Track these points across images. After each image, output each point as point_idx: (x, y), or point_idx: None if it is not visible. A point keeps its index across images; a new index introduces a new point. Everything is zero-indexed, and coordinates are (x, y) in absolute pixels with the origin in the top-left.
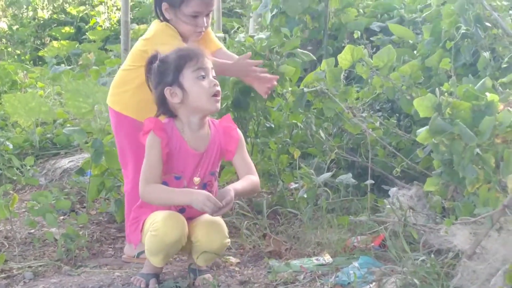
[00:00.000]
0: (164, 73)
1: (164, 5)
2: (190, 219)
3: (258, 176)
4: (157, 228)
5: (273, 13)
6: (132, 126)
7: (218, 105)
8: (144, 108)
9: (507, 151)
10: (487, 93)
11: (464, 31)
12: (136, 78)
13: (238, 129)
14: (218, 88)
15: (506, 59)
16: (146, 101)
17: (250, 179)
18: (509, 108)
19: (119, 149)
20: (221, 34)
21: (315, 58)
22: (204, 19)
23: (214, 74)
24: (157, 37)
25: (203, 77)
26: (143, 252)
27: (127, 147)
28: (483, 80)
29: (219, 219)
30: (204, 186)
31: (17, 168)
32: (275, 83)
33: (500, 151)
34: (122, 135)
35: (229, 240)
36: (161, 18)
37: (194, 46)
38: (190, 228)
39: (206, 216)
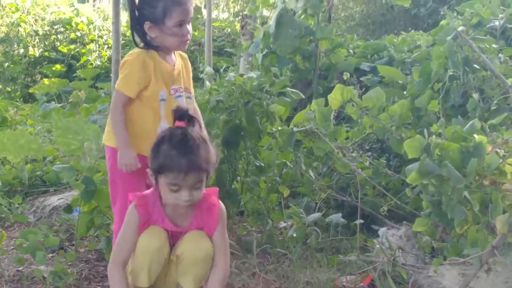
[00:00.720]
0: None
1: (147, 25)
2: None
3: (229, 258)
4: (138, 244)
5: (264, 53)
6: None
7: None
8: (134, 142)
9: (495, 193)
10: (475, 135)
11: (452, 73)
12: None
13: (221, 208)
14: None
15: (495, 101)
16: (135, 135)
17: (222, 276)
18: (497, 150)
19: (111, 185)
20: (211, 71)
21: (304, 97)
22: (188, 27)
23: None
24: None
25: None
26: None
27: (119, 182)
28: (472, 121)
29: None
30: None
31: (6, 206)
32: None
33: (488, 192)
34: (115, 169)
35: (212, 247)
36: (143, 42)
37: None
38: (175, 248)
39: (191, 231)
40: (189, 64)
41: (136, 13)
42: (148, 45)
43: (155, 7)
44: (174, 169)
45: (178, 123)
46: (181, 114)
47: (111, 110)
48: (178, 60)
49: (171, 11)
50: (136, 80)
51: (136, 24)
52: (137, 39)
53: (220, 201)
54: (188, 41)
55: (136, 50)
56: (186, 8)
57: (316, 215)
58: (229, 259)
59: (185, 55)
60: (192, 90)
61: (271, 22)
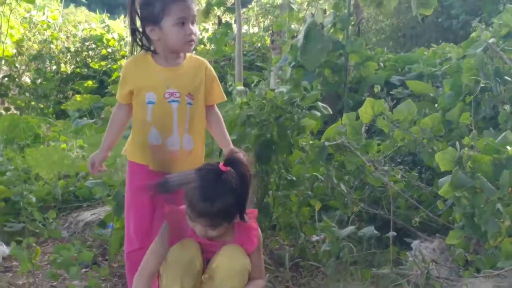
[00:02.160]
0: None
1: (148, 28)
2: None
3: (265, 278)
4: (170, 254)
5: (292, 65)
6: (130, 168)
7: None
8: (132, 150)
9: None
10: (508, 147)
11: (483, 85)
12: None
13: (259, 232)
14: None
15: None
16: (132, 143)
17: (256, 286)
18: None
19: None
20: (242, 87)
21: (331, 112)
22: (191, 26)
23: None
24: None
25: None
26: None
27: (128, 195)
28: (504, 133)
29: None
30: None
31: (40, 221)
32: None
33: None
34: (128, 183)
35: (250, 263)
36: (145, 47)
37: None
38: (211, 262)
39: (227, 245)
40: (204, 68)
41: (137, 18)
42: (148, 49)
43: (153, 5)
44: (191, 206)
45: (222, 165)
46: (229, 159)
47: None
48: (189, 63)
49: (170, 9)
50: (122, 85)
51: (136, 28)
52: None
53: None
54: (193, 42)
55: (132, 56)
56: (187, 5)
57: (349, 229)
58: (264, 279)
59: (201, 59)
60: (214, 96)
61: (300, 36)
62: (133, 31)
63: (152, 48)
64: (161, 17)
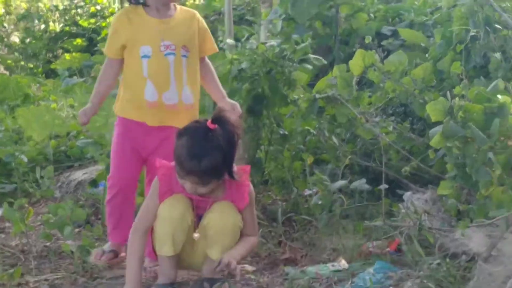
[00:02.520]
0: None
1: None
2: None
3: (258, 235)
4: (161, 209)
5: (282, 18)
6: (120, 123)
7: None
8: (124, 107)
9: None
10: (499, 95)
11: (473, 33)
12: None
13: (251, 188)
14: None
15: None
16: (125, 100)
17: (249, 243)
18: None
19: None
20: (233, 41)
21: (326, 63)
22: None
23: None
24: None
25: None
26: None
27: (113, 150)
28: (495, 82)
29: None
30: None
31: (32, 182)
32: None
33: None
34: (115, 138)
35: (241, 220)
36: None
37: None
38: (203, 218)
39: (218, 202)
40: (196, 19)
41: None
42: (137, 2)
43: None
44: (179, 164)
45: (210, 123)
46: (216, 117)
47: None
48: (178, 15)
49: None
50: (113, 39)
51: None
52: None
53: (250, 182)
54: None
55: (122, 9)
56: None
57: (341, 182)
58: (258, 235)
59: (191, 11)
60: (207, 47)
61: None
62: None
63: (141, 1)
64: None
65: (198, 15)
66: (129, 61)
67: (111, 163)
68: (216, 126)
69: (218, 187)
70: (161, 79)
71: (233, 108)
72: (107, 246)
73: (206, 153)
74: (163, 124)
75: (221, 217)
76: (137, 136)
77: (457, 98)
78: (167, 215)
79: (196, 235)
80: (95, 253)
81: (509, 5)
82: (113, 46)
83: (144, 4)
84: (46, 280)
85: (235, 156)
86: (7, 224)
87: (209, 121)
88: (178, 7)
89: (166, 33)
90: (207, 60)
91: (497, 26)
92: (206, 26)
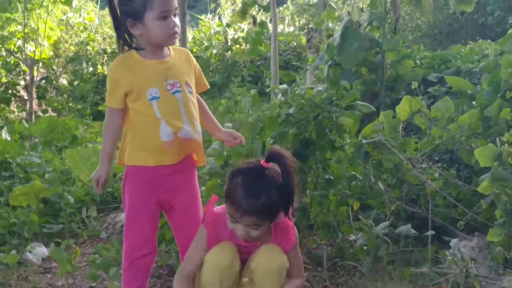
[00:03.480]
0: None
1: (129, 23)
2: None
3: (304, 276)
4: (208, 258)
5: (329, 64)
6: (133, 173)
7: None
8: (138, 155)
9: None
10: None
11: None
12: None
13: (295, 230)
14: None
15: None
16: (138, 147)
17: (294, 285)
18: None
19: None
20: (284, 86)
21: (374, 109)
22: (174, 19)
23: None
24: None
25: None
26: None
27: (126, 198)
28: None
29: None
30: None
31: (79, 222)
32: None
33: None
34: (125, 186)
35: (287, 262)
36: (125, 43)
37: None
38: (250, 261)
39: (265, 245)
40: (190, 57)
41: (117, 12)
42: (130, 46)
43: (133, 0)
44: (235, 205)
45: (263, 162)
46: (271, 155)
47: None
48: (174, 54)
49: (152, 3)
50: (114, 89)
51: (118, 23)
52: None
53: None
54: (177, 35)
55: (116, 58)
56: None
57: (385, 224)
58: (304, 274)
59: (184, 49)
60: (200, 85)
61: (337, 35)
62: (117, 27)
63: (134, 46)
64: (143, 11)
65: (190, 53)
66: (137, 106)
67: (132, 220)
68: (271, 164)
69: (267, 230)
70: (174, 117)
71: (232, 136)
72: None
73: (263, 191)
74: (181, 159)
75: (269, 260)
76: (156, 180)
77: (506, 145)
78: (215, 264)
79: (245, 279)
80: None
81: None
82: (116, 96)
83: (137, 48)
84: None
85: (293, 194)
86: (53, 264)
87: (263, 160)
88: (171, 48)
89: (168, 72)
90: (199, 96)
91: None
92: (197, 63)
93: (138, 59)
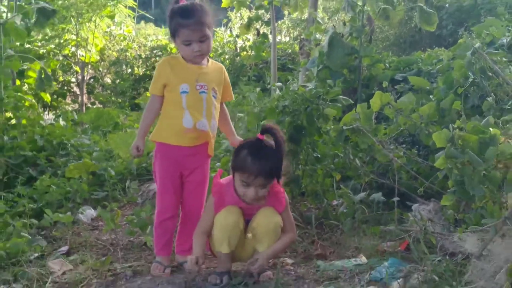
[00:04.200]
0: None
1: (170, 38)
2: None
3: (295, 231)
4: (217, 219)
5: (319, 68)
6: (161, 149)
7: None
8: (165, 135)
9: (510, 173)
10: (490, 129)
11: (472, 80)
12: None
13: (285, 195)
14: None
15: (510, 102)
16: (165, 128)
17: (287, 238)
18: (508, 140)
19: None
20: (280, 84)
21: (352, 102)
22: (197, 45)
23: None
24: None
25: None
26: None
27: (156, 173)
28: (487, 118)
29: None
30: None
31: (119, 191)
32: None
33: (502, 173)
34: (156, 163)
35: (281, 221)
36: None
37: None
38: (251, 221)
39: (263, 208)
40: (223, 71)
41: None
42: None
43: (171, 24)
44: (247, 171)
45: (259, 135)
46: (264, 129)
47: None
48: (210, 64)
49: (179, 32)
50: (157, 80)
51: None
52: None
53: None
54: (202, 55)
55: (164, 57)
56: (191, 29)
57: (362, 195)
58: (295, 230)
59: (220, 64)
60: (227, 95)
61: (324, 44)
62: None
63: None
64: (174, 36)
65: (224, 69)
66: (170, 96)
67: (161, 190)
68: (264, 136)
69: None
70: (196, 111)
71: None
72: (161, 260)
73: (267, 155)
74: (197, 143)
75: (266, 220)
76: (178, 158)
77: (457, 130)
78: (223, 223)
79: (249, 235)
80: (155, 267)
81: (499, 58)
82: (157, 85)
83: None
84: (130, 267)
85: (283, 161)
86: (100, 223)
87: (258, 134)
88: (210, 60)
89: (200, 76)
90: (224, 105)
91: (490, 74)
92: (228, 78)
93: (181, 61)
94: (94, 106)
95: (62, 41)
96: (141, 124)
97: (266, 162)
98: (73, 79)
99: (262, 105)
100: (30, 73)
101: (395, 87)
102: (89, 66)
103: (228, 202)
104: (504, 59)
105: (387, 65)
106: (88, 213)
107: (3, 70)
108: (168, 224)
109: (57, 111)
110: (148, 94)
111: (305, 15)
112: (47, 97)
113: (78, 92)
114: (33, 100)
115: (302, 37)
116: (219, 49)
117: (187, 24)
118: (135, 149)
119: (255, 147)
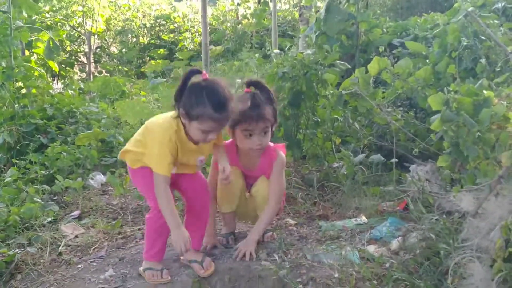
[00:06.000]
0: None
1: (182, 111)
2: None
3: (278, 199)
4: (218, 179)
5: (317, 34)
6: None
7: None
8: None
9: (503, 134)
10: (484, 91)
11: (465, 43)
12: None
13: (278, 159)
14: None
15: (499, 64)
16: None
17: (268, 212)
18: (502, 101)
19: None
20: (278, 51)
21: (349, 67)
22: (212, 134)
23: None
24: (151, 141)
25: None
26: (147, 269)
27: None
28: (480, 81)
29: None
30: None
31: None
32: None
33: (496, 134)
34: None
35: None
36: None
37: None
38: (252, 187)
39: (262, 176)
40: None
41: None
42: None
43: (193, 106)
44: (247, 120)
45: (246, 90)
46: (250, 83)
47: (156, 194)
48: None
49: (203, 120)
50: (165, 156)
51: (180, 98)
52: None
53: (279, 154)
54: (210, 141)
55: (166, 122)
56: (218, 124)
57: (361, 156)
58: (280, 199)
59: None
60: (218, 141)
61: (322, 10)
62: (176, 99)
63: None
64: (194, 118)
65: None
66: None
67: (154, 196)
68: (250, 89)
69: (256, 161)
70: (185, 169)
71: (224, 170)
72: (152, 265)
73: (258, 101)
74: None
75: (263, 189)
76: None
77: (452, 93)
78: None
79: (248, 194)
80: (150, 275)
81: (491, 21)
82: (165, 163)
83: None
84: (139, 229)
85: (276, 109)
86: (109, 188)
87: (245, 89)
88: None
89: (200, 154)
90: (221, 146)
91: (482, 37)
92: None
93: (183, 139)
94: (101, 75)
95: (69, 12)
96: (168, 213)
97: (262, 106)
98: (81, 49)
99: (263, 71)
100: (39, 44)
101: (393, 52)
102: (96, 36)
103: (230, 163)
104: (496, 21)
105: (385, 30)
106: (98, 178)
107: (13, 41)
108: (165, 227)
109: (65, 80)
110: (153, 62)
111: None
112: (55, 67)
113: (85, 62)
114: (42, 70)
115: (301, 4)
116: (221, 17)
117: (219, 118)
118: (183, 245)
119: (247, 97)
